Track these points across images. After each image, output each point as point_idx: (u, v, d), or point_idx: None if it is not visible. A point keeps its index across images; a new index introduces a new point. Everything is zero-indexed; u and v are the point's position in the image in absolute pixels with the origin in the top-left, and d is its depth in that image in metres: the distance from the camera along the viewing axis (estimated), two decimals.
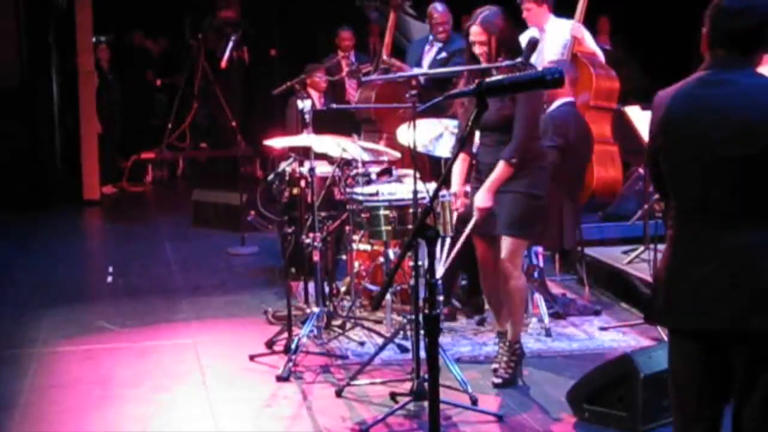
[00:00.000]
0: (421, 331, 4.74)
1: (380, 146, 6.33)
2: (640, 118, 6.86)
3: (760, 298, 3.05)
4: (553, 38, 7.20)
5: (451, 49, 7.96)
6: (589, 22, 7.36)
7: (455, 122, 5.92)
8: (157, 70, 14.74)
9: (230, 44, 12.63)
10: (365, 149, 6.04)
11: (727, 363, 3.19)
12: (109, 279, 8.17)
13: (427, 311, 2.89)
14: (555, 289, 7.07)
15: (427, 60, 8.18)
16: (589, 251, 7.51)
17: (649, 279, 6.38)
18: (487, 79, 2.93)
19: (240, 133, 11.08)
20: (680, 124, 3.13)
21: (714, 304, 3.09)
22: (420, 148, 5.61)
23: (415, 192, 5.11)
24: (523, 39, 5.79)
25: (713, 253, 3.09)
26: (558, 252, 7.32)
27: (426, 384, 4.62)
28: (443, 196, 5.63)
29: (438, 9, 8.15)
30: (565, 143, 6.20)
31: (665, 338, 5.92)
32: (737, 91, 3.07)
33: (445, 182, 5.45)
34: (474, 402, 5.06)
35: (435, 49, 8.19)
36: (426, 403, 4.63)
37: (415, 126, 4.94)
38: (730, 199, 3.08)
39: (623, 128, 6.99)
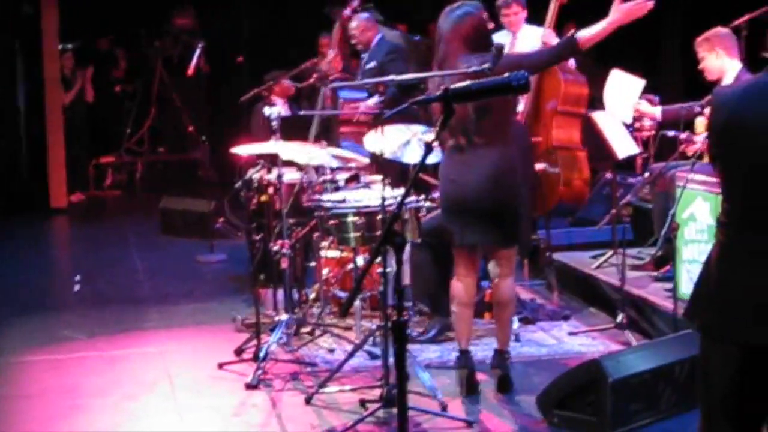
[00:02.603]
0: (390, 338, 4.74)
1: (348, 153, 6.31)
2: (607, 124, 6.90)
3: None
4: (524, 44, 7.22)
5: (379, 57, 7.91)
6: (559, 29, 7.38)
7: (424, 128, 5.91)
8: (119, 77, 14.73)
9: (197, 51, 12.62)
10: (334, 156, 6.03)
11: None
12: (77, 287, 8.11)
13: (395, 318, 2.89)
14: (524, 294, 7.08)
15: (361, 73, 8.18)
16: (558, 256, 7.53)
17: (617, 283, 6.40)
18: (453, 85, 2.92)
19: (200, 138, 11.08)
20: (747, 125, 2.91)
21: None
22: (388, 155, 5.60)
23: (383, 198, 5.11)
24: None
25: None
26: (525, 257, 7.32)
27: (395, 391, 4.61)
28: (410, 203, 5.62)
29: (355, 20, 8.16)
30: None
31: (634, 342, 5.98)
32: None
33: (413, 188, 5.44)
34: (443, 408, 5.05)
35: (364, 61, 8.20)
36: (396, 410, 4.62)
37: (383, 132, 4.95)
38: None
39: (591, 134, 7.02)
